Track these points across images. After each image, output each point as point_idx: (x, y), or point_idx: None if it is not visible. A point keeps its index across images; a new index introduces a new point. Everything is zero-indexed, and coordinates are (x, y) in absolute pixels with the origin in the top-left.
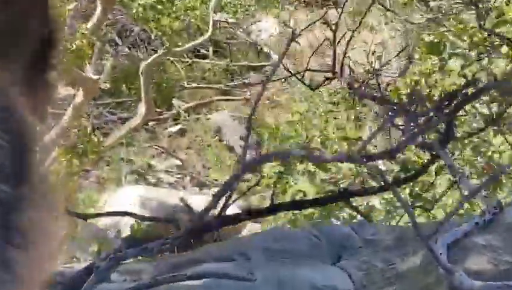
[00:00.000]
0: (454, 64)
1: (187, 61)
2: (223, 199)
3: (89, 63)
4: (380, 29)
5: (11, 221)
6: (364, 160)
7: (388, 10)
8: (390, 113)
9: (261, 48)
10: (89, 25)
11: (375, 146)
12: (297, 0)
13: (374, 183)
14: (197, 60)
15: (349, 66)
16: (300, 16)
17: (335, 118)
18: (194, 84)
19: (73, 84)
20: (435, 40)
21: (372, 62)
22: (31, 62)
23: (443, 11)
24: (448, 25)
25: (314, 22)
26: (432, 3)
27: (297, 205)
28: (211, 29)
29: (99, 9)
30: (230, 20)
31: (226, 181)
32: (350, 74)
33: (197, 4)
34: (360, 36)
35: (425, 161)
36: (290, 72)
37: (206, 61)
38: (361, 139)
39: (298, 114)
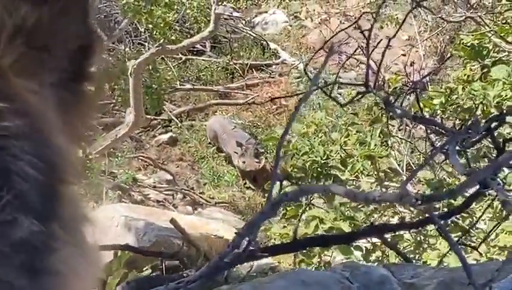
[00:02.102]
0: (499, 72)
1: (180, 58)
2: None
3: None
4: (407, 23)
5: (42, 263)
6: (420, 202)
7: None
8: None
9: (268, 44)
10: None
11: (400, 163)
12: None
13: (400, 208)
14: (192, 56)
15: (383, 79)
16: (314, 7)
17: (357, 132)
18: (187, 85)
19: None
20: (476, 42)
21: (408, 73)
22: (67, 72)
23: (486, 9)
24: (492, 24)
25: (346, 28)
26: (473, 1)
27: (325, 240)
28: (212, 24)
29: None
30: (235, 14)
31: (250, 220)
32: (384, 87)
33: None
34: (384, 31)
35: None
36: (319, 86)
37: (203, 58)
38: (388, 157)
39: (314, 125)
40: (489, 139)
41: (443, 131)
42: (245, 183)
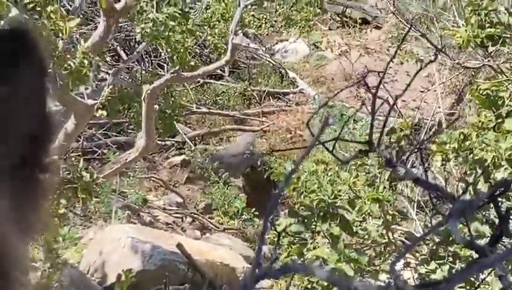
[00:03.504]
0: None
1: (198, 81)
2: None
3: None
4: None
5: None
6: None
7: (439, 50)
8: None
9: (286, 72)
10: (90, 42)
11: (412, 201)
12: (332, 19)
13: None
14: (210, 80)
15: (389, 136)
16: (334, 38)
17: (367, 173)
18: (204, 109)
19: (65, 108)
20: (491, 91)
21: (414, 130)
22: (18, 159)
23: (504, 58)
24: (509, 74)
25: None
26: (490, 48)
27: None
28: (229, 54)
29: (102, 25)
30: (252, 45)
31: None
32: (390, 145)
33: (215, 20)
34: (403, 67)
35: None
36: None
37: (221, 82)
38: (396, 200)
39: (324, 164)
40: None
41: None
42: (254, 211)
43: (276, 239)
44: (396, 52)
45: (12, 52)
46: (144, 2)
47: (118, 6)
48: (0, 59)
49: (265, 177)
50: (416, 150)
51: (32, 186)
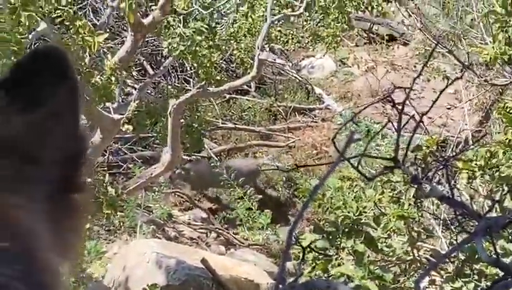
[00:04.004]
0: None
1: (224, 96)
2: None
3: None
4: (453, 76)
5: None
6: None
7: (466, 67)
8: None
9: (313, 88)
10: (117, 57)
11: (438, 218)
12: (359, 35)
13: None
14: (236, 95)
15: (415, 153)
16: (361, 54)
17: (392, 190)
18: (229, 124)
19: (92, 122)
20: None
21: (440, 147)
22: (55, 183)
23: None
24: None
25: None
26: None
27: None
28: (255, 70)
29: (129, 40)
30: (278, 61)
31: None
32: (416, 162)
33: (241, 34)
34: (430, 84)
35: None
36: (345, 158)
37: (247, 98)
38: (422, 217)
39: (349, 180)
40: None
41: (471, 214)
42: (279, 226)
43: (301, 255)
44: (422, 68)
45: (46, 71)
46: (171, 17)
47: (146, 21)
48: (33, 79)
49: (290, 193)
50: (441, 167)
51: (69, 208)
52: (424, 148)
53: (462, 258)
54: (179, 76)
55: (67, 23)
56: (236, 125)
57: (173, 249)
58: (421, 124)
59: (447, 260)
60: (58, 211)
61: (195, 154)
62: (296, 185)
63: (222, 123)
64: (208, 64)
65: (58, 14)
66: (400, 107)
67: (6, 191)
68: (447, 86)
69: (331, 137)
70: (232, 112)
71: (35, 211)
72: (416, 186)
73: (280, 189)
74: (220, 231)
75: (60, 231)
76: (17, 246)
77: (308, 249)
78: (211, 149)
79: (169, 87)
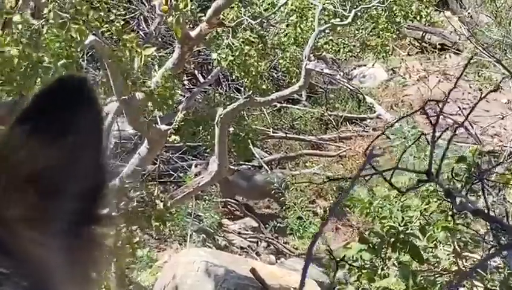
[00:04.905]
0: None
1: (275, 105)
2: None
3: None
4: (506, 86)
5: None
6: None
7: None
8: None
9: (364, 97)
10: (164, 68)
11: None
12: (411, 44)
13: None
14: (287, 105)
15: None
16: (413, 63)
17: (438, 199)
18: (280, 133)
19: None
20: None
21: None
22: (76, 215)
23: None
24: None
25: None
26: None
27: None
28: (302, 79)
29: (176, 52)
30: (325, 71)
31: None
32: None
33: (288, 42)
34: (482, 94)
35: None
36: (378, 171)
37: (298, 107)
38: (468, 227)
39: (395, 189)
40: None
41: (503, 228)
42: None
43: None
44: (458, 78)
45: (69, 101)
46: (219, 28)
47: (193, 33)
48: (57, 109)
49: (339, 202)
50: (476, 180)
51: (87, 240)
52: (470, 158)
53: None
54: (230, 85)
55: (115, 37)
56: (287, 135)
57: (223, 258)
58: (474, 133)
59: (496, 271)
60: (76, 243)
61: (246, 163)
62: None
63: (273, 132)
64: (254, 73)
65: (107, 28)
66: (434, 120)
67: (27, 228)
68: (487, 94)
69: (383, 147)
70: (283, 121)
71: (53, 245)
72: (450, 200)
73: (330, 198)
74: (270, 240)
75: (77, 263)
76: (32, 286)
77: (354, 258)
78: (261, 158)
79: (217, 95)
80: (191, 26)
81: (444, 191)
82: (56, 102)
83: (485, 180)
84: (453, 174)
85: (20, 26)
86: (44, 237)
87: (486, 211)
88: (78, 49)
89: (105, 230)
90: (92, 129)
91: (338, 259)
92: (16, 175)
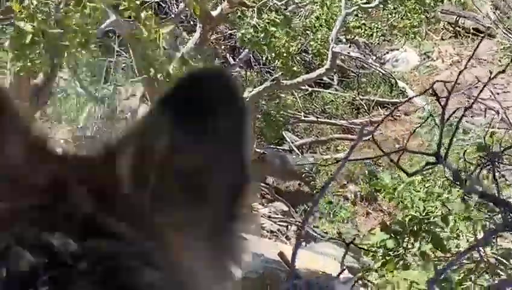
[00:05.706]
0: None
1: (306, 89)
2: None
3: None
4: None
5: None
6: None
7: None
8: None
9: (396, 82)
10: (185, 49)
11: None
12: (445, 28)
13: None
14: (319, 89)
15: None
16: (446, 48)
17: (460, 189)
18: (312, 117)
19: None
20: None
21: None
22: (221, 216)
23: None
24: None
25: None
26: None
27: None
28: (329, 62)
29: (198, 32)
30: (353, 54)
31: None
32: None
33: (318, 24)
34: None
35: None
36: (385, 153)
37: (329, 91)
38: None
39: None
40: None
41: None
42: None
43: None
44: (468, 60)
45: (216, 96)
46: (244, 7)
47: (214, 13)
48: (202, 104)
49: (372, 188)
50: (486, 164)
51: (229, 239)
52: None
53: None
54: (262, 68)
55: (133, 14)
56: (319, 119)
57: (252, 241)
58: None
59: None
60: (219, 245)
61: (277, 147)
62: (377, 179)
63: (304, 116)
64: (286, 54)
65: (125, 6)
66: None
67: (176, 232)
68: (494, 76)
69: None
70: (314, 105)
71: (201, 250)
72: (457, 183)
73: (360, 183)
74: (300, 224)
75: (220, 264)
76: (175, 281)
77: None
78: (292, 142)
79: (250, 78)
80: (212, 6)
81: (452, 174)
82: (202, 94)
83: (497, 163)
84: (465, 158)
85: (35, 2)
86: (192, 240)
87: (496, 194)
88: (95, 27)
89: (245, 229)
90: (238, 127)
91: (348, 242)
92: (165, 173)
